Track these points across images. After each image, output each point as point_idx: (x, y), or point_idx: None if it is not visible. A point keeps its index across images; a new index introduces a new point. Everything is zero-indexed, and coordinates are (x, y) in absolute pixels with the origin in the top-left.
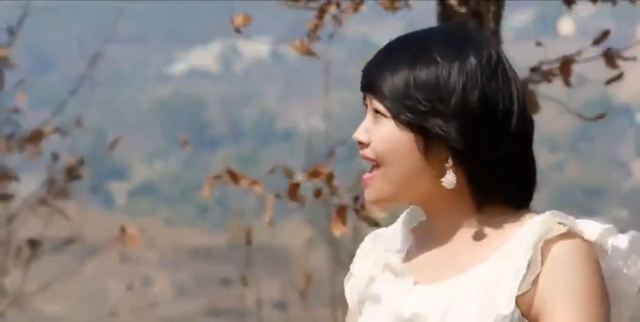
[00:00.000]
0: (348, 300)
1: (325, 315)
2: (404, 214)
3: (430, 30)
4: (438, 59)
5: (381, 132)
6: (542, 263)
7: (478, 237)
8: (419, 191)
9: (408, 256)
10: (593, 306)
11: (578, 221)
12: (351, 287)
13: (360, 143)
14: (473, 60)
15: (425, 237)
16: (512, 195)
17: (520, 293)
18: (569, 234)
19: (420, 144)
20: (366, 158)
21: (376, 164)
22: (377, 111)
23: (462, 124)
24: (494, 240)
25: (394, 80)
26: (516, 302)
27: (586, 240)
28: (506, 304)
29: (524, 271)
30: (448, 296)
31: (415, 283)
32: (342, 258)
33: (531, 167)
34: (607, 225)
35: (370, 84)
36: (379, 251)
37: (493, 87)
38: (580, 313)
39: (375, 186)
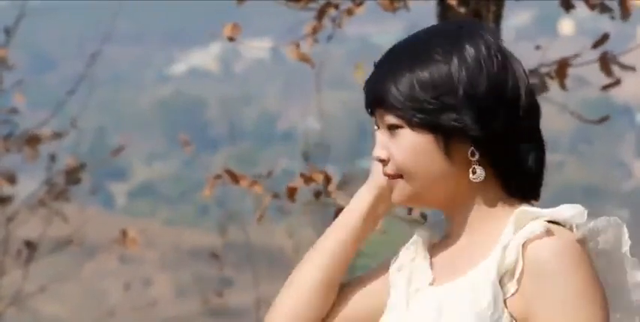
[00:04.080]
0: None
1: None
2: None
3: (425, 31)
4: (437, 57)
5: (400, 144)
6: (524, 265)
7: (484, 235)
8: (446, 192)
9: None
10: (582, 309)
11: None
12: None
13: (381, 161)
14: (470, 50)
15: (444, 244)
16: (529, 185)
17: (507, 296)
18: (549, 231)
19: (441, 143)
20: (389, 175)
21: (400, 176)
22: (391, 126)
23: (474, 113)
24: (494, 238)
25: (399, 88)
26: (506, 305)
27: (568, 233)
28: (488, 307)
29: (509, 274)
30: (440, 300)
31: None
32: None
33: (542, 153)
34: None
35: (377, 99)
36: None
37: (496, 72)
38: (570, 318)
39: (400, 191)
